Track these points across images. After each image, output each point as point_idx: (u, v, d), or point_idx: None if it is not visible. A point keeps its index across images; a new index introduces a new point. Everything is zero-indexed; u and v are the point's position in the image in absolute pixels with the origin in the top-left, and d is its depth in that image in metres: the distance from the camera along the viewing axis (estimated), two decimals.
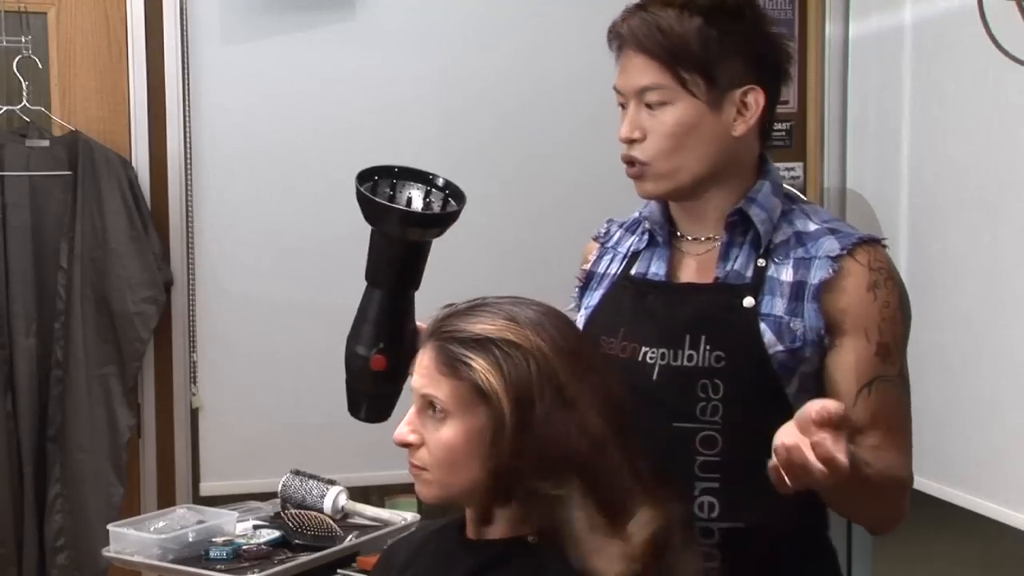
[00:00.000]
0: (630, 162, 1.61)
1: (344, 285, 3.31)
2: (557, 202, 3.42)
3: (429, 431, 1.38)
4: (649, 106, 1.58)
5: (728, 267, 1.60)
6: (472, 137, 3.38)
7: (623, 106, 1.63)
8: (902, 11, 3.08)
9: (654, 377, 1.58)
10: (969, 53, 2.75)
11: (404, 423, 1.41)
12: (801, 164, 3.48)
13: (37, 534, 3.10)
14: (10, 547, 3.06)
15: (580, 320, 1.71)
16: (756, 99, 1.59)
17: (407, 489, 1.46)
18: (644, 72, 1.58)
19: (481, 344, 1.35)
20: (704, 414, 1.56)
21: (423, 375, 1.38)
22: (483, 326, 1.36)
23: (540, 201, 3.43)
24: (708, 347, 1.56)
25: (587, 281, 1.77)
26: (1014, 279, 2.64)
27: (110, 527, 2.58)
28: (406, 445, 1.40)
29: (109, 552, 2.55)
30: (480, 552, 1.39)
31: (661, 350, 1.58)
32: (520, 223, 3.39)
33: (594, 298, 1.72)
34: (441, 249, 3.29)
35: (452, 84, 3.36)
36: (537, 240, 3.41)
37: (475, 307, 1.40)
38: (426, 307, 1.44)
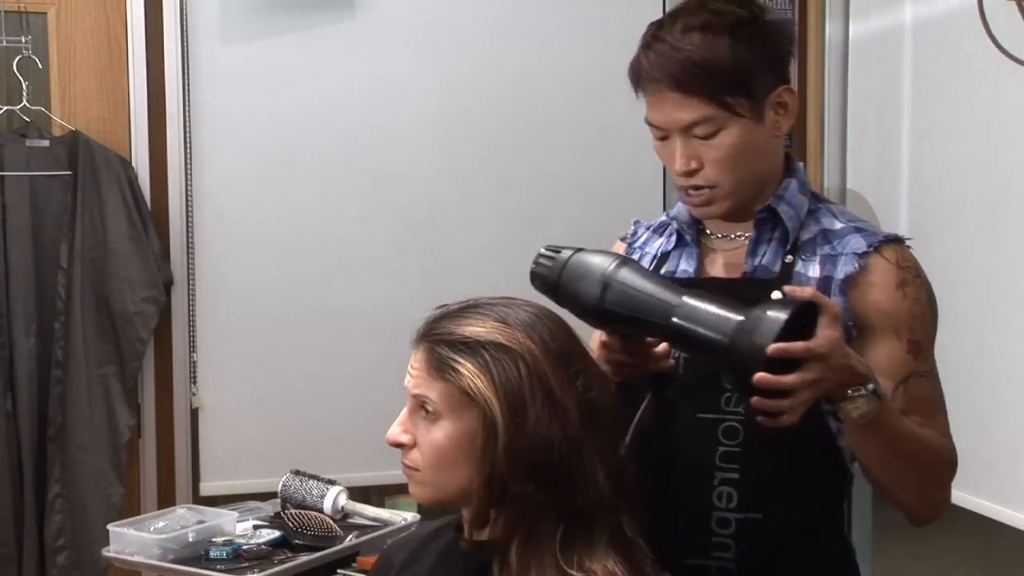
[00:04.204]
0: (694, 189, 1.59)
1: (344, 285, 3.36)
2: (557, 202, 3.42)
3: (421, 432, 1.38)
4: (699, 136, 1.56)
5: (756, 262, 1.61)
6: (472, 137, 3.38)
7: (662, 139, 1.60)
8: (902, 11, 3.08)
9: (680, 370, 1.58)
10: (969, 53, 2.75)
11: (396, 423, 1.40)
12: (801, 164, 3.47)
13: (37, 534, 3.10)
14: (10, 547, 3.06)
15: None
16: (790, 97, 1.61)
17: (407, 489, 1.45)
18: (686, 108, 1.54)
19: (470, 347, 1.34)
20: (728, 404, 1.56)
21: (415, 376, 1.38)
22: (473, 328, 1.36)
23: (540, 201, 3.43)
24: None
25: None
26: (1014, 279, 2.64)
27: (110, 527, 2.58)
28: (399, 445, 1.40)
29: (109, 552, 2.55)
30: (477, 553, 1.39)
31: None
32: (520, 223, 3.39)
33: None
34: (440, 248, 3.33)
35: (452, 84, 3.36)
36: (537, 240, 3.39)
37: (466, 308, 1.40)
38: (424, 306, 1.44)
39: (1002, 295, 2.67)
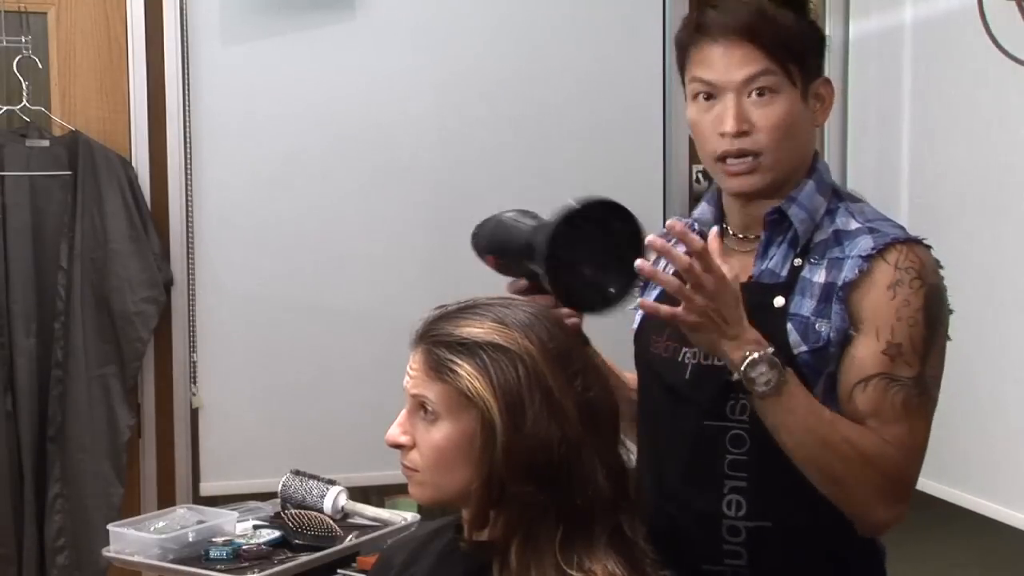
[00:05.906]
0: (737, 157, 1.55)
1: (344, 285, 3.36)
2: (557, 200, 3.41)
3: (420, 432, 1.38)
4: (753, 95, 1.54)
5: (763, 266, 1.57)
6: (472, 136, 3.38)
7: (707, 96, 1.56)
8: (902, 11, 3.08)
9: (687, 376, 1.58)
10: (969, 53, 2.75)
11: (396, 424, 1.40)
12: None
13: (37, 534, 3.10)
14: (10, 547, 3.07)
15: (637, 319, 1.71)
16: (828, 91, 1.60)
17: (407, 489, 1.45)
18: (751, 61, 1.53)
19: (468, 348, 1.34)
20: (733, 412, 1.54)
21: (414, 377, 1.38)
22: (471, 329, 1.36)
23: (540, 199, 3.41)
24: None
25: (647, 280, 1.72)
26: (1014, 279, 2.64)
27: (110, 527, 2.58)
28: (398, 446, 1.40)
29: (109, 552, 2.55)
30: (477, 553, 1.39)
31: (694, 349, 1.57)
32: None
33: (651, 297, 1.69)
34: (440, 248, 3.33)
35: (452, 84, 3.36)
36: None
37: (465, 309, 1.40)
38: (424, 306, 1.44)
39: (1002, 295, 2.67)
